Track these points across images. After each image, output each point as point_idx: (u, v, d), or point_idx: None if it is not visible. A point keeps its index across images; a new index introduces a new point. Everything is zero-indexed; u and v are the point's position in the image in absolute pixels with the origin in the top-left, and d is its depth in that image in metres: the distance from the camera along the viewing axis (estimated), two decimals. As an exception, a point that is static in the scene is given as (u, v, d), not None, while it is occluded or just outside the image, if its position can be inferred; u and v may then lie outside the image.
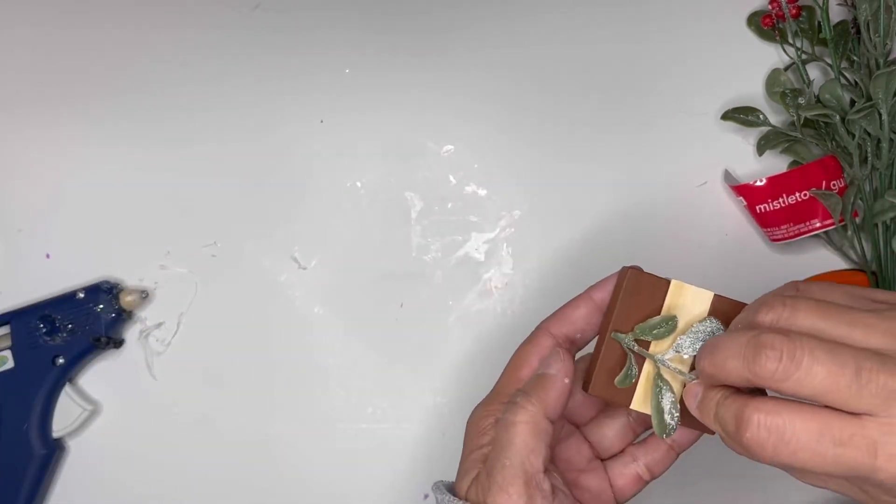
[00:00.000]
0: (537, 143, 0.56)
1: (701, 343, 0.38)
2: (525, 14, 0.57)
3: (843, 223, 0.52)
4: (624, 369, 0.39)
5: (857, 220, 0.53)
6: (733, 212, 0.55)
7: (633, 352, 0.39)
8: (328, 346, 0.56)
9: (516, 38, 0.57)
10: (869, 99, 0.50)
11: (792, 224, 0.53)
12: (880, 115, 0.50)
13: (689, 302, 0.39)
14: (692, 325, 0.39)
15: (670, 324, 0.39)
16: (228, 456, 0.55)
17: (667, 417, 0.38)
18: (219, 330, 0.56)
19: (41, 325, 0.54)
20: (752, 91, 0.56)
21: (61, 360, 0.54)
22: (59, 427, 0.54)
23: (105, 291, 0.54)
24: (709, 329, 0.38)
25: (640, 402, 0.39)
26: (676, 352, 0.38)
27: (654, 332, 0.39)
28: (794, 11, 0.54)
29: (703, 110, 0.56)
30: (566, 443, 0.42)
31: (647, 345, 0.39)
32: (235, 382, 0.55)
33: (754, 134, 0.55)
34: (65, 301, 0.54)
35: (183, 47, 0.58)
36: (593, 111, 0.57)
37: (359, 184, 0.57)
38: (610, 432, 0.42)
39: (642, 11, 0.57)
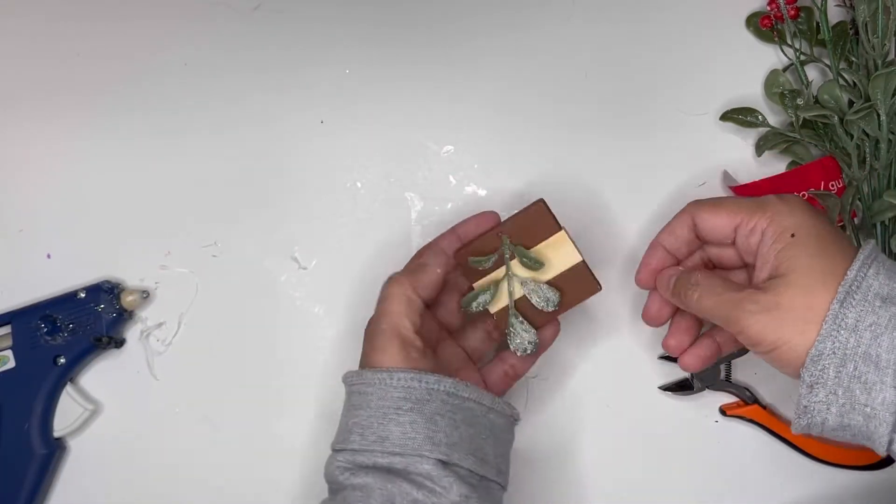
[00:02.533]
0: (537, 143, 0.57)
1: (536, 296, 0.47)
2: (526, 17, 0.58)
3: (841, 224, 0.52)
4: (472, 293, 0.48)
5: (856, 220, 0.53)
6: (732, 212, 0.55)
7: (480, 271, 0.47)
8: (328, 346, 0.56)
9: (517, 40, 0.57)
10: (867, 100, 0.50)
11: (791, 224, 0.53)
12: (879, 115, 0.50)
13: (560, 255, 0.46)
14: (538, 283, 0.46)
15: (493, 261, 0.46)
16: (228, 456, 0.55)
17: (518, 338, 0.47)
18: (219, 330, 0.56)
19: (42, 325, 0.54)
20: (751, 92, 0.56)
21: (62, 360, 0.54)
22: (59, 427, 0.54)
23: (106, 291, 0.54)
24: (545, 295, 0.46)
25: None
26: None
27: (477, 260, 0.46)
28: (792, 12, 0.54)
29: (703, 111, 0.56)
30: (444, 344, 0.50)
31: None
32: (236, 382, 0.55)
33: (753, 135, 0.56)
34: (66, 301, 0.54)
35: (184, 48, 0.58)
36: (593, 112, 0.57)
37: (359, 184, 0.57)
38: (475, 340, 0.51)
39: (641, 14, 0.57)
